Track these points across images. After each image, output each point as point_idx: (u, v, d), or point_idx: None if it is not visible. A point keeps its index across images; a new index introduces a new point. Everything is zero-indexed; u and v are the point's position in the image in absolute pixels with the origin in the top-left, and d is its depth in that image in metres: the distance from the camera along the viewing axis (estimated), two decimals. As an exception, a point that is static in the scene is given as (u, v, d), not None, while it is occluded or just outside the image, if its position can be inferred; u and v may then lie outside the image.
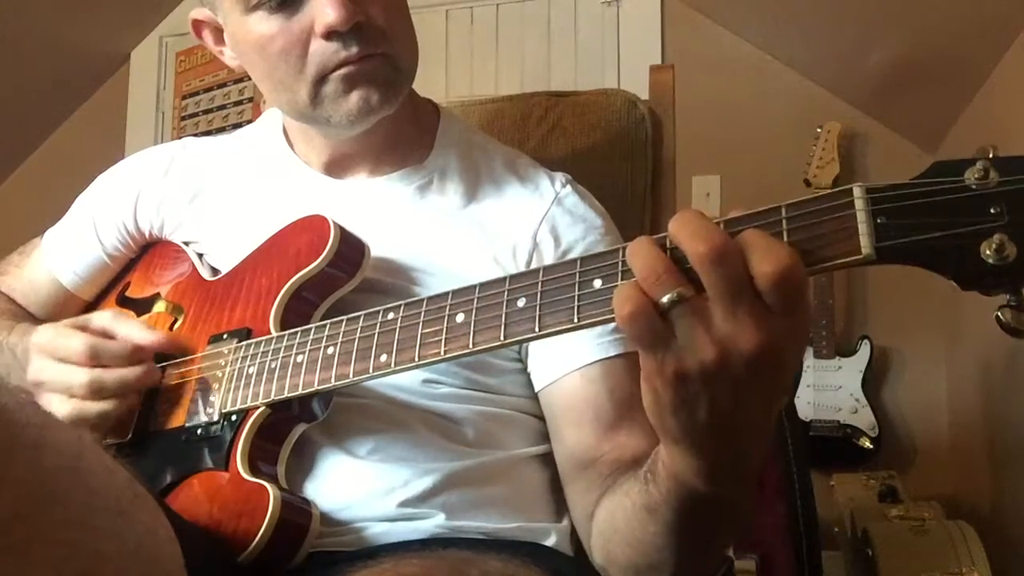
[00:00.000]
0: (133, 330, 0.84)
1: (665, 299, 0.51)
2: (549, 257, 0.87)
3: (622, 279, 0.56)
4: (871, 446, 2.05)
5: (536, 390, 0.86)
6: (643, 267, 0.52)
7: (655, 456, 0.63)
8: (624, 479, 0.73)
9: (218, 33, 0.91)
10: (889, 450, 2.09)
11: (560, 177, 0.95)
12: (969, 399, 2.01)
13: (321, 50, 0.81)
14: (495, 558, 0.67)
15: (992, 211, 0.47)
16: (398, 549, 0.73)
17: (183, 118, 2.72)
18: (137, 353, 0.82)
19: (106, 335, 0.84)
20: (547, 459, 0.87)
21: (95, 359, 0.80)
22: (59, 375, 0.81)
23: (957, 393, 2.09)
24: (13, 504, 0.45)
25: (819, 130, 2.15)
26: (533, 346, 0.86)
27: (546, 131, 1.21)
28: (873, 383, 2.11)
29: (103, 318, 0.86)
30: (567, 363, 0.83)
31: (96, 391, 0.80)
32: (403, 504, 0.77)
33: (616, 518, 0.71)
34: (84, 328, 0.84)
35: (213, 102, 2.68)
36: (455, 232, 0.89)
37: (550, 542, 0.82)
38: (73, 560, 0.47)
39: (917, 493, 1.93)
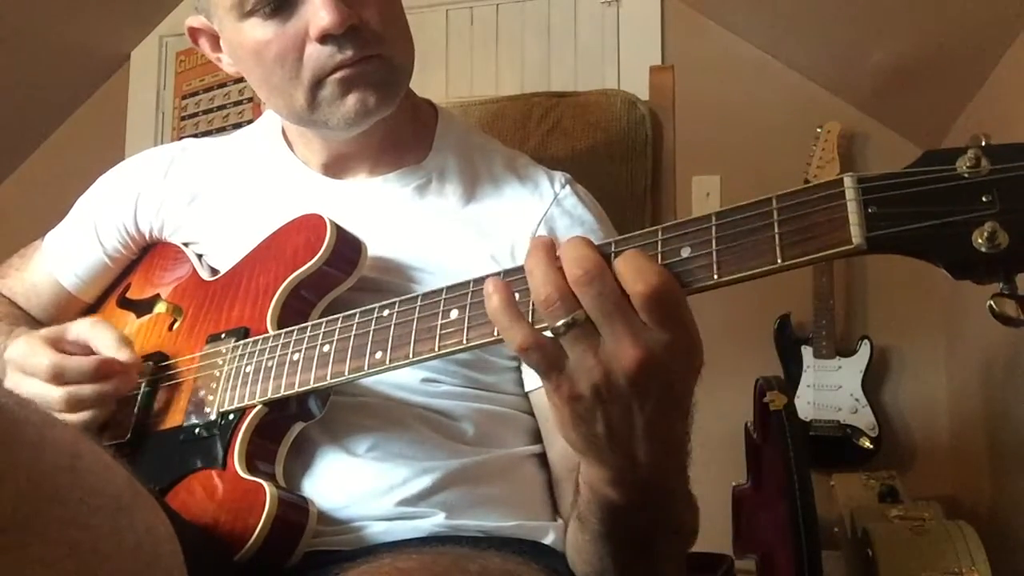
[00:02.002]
0: (106, 345, 0.83)
1: (560, 323, 0.53)
2: None
3: None
4: (871, 446, 2.05)
5: (526, 390, 0.87)
6: (538, 293, 0.54)
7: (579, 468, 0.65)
8: None
9: (215, 40, 0.90)
10: (889, 450, 2.08)
11: (560, 177, 0.95)
12: (969, 399, 2.01)
13: (316, 54, 0.81)
14: (495, 555, 0.68)
15: (984, 199, 0.46)
16: (396, 547, 0.73)
17: (183, 118, 2.72)
18: (105, 367, 0.81)
19: (82, 347, 0.84)
20: (545, 458, 0.87)
21: (60, 378, 0.80)
22: (35, 390, 0.80)
23: (957, 393, 2.09)
24: (13, 503, 0.45)
25: (819, 130, 2.15)
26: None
27: (546, 131, 1.21)
28: (873, 383, 2.11)
29: (80, 329, 0.85)
30: None
31: (74, 405, 0.80)
32: (402, 503, 0.77)
33: (569, 526, 0.73)
34: (59, 341, 0.84)
35: (213, 102, 2.68)
36: (453, 232, 0.89)
37: (549, 540, 0.82)
38: (72, 559, 0.47)
39: (917, 493, 1.93)
